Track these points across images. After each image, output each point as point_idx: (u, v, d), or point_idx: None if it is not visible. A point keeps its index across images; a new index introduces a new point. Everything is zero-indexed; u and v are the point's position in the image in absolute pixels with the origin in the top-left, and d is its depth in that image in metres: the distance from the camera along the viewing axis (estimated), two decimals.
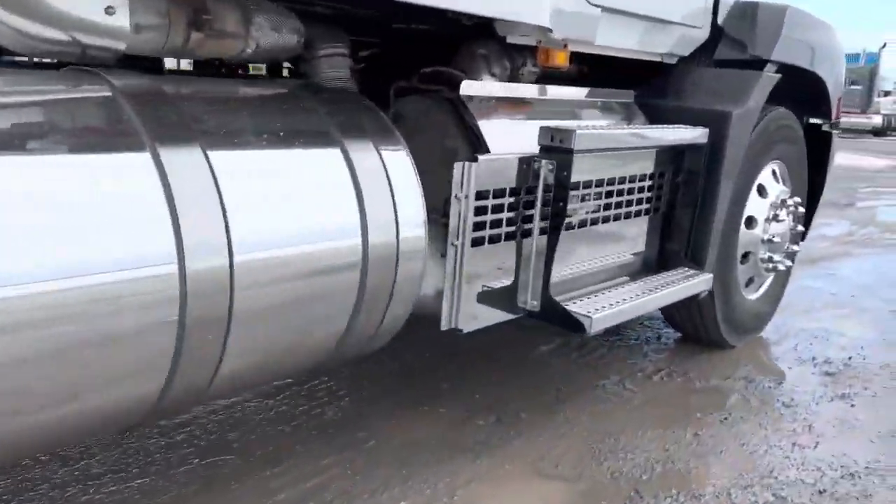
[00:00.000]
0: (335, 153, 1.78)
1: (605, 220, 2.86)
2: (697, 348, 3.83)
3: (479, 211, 2.29)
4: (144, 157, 1.48)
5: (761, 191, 3.72)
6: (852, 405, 3.26)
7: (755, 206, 3.67)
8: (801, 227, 3.96)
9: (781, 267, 3.84)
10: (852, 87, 27.56)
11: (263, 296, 1.63)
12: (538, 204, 2.46)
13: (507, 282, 2.53)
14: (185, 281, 1.46)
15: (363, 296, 1.81)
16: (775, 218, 3.73)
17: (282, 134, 1.71)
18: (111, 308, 1.38)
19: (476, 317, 2.39)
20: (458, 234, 2.25)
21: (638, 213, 3.03)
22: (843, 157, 16.91)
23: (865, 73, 27.81)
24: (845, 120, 28.74)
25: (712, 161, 3.16)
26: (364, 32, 2.92)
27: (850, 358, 3.85)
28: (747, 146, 3.40)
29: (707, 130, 3.09)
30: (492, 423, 2.88)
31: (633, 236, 3.11)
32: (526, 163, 2.44)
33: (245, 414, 2.85)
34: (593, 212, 2.79)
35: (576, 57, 3.06)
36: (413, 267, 1.97)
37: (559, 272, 2.73)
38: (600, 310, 2.53)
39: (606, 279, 2.96)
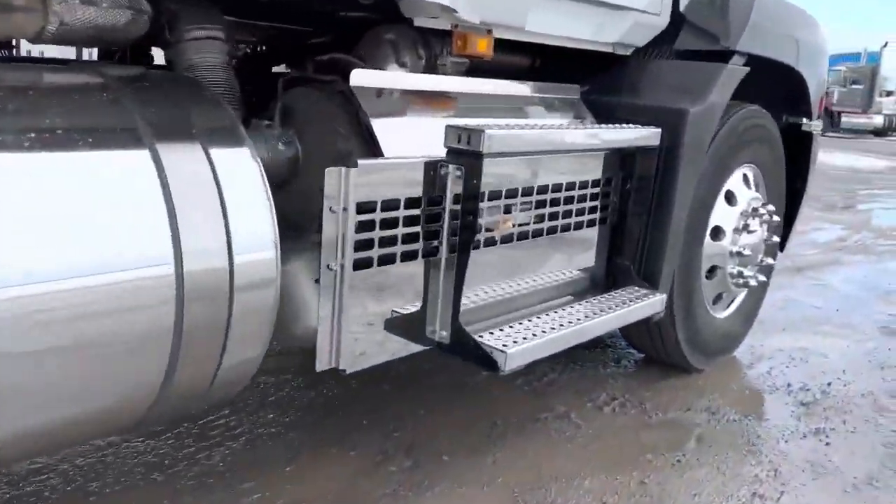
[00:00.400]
0: (138, 157, 1.39)
1: (538, 233, 2.47)
2: (660, 372, 3.44)
3: (365, 226, 1.90)
4: None
5: (730, 198, 3.32)
6: (827, 443, 2.87)
7: (722, 214, 3.28)
8: (776, 238, 3.57)
9: (753, 282, 3.45)
10: (853, 86, 27.21)
11: (24, 345, 1.25)
12: (445, 217, 2.07)
13: (416, 307, 2.15)
14: None
15: (180, 340, 1.43)
16: (746, 228, 3.34)
17: (60, 133, 1.32)
18: None
19: (364, 353, 2.00)
20: (337, 255, 1.86)
21: (580, 226, 2.63)
22: (842, 158, 16.63)
23: (867, 73, 27.40)
24: (846, 120, 28.54)
25: (667, 165, 2.76)
26: (260, 14, 2.53)
27: (829, 384, 3.46)
28: (710, 148, 3.01)
29: (659, 131, 2.70)
30: (406, 470, 2.49)
31: (575, 251, 2.72)
32: (431, 168, 2.05)
33: (119, 457, 2.46)
34: (523, 224, 2.41)
35: (515, 48, 2.69)
36: (259, 298, 1.58)
37: (478, 296, 2.35)
38: (520, 342, 2.13)
39: (541, 302, 2.57)
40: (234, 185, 1.51)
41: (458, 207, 2.04)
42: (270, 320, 1.62)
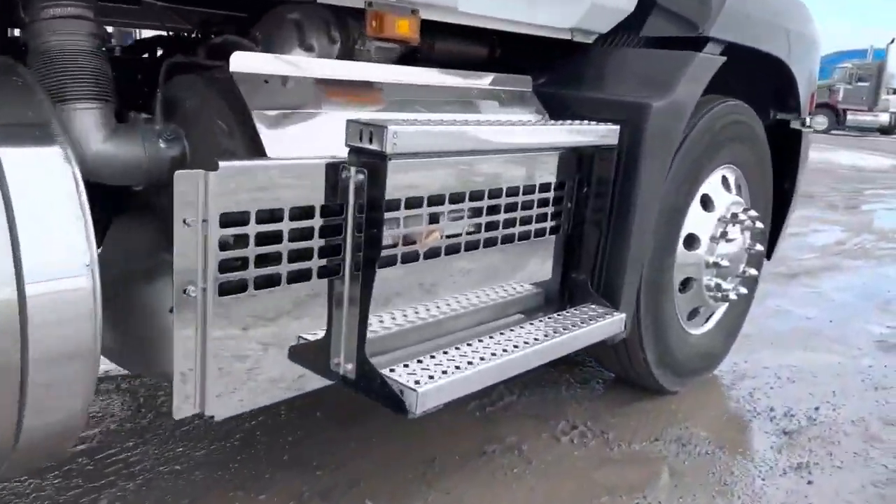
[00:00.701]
0: None
1: (473, 246, 2.14)
2: (630, 394, 3.11)
3: (235, 242, 1.58)
4: None
5: (706, 203, 2.99)
6: (809, 481, 2.53)
7: (698, 221, 2.94)
8: (760, 247, 3.23)
9: (734, 296, 3.11)
10: (859, 83, 26.75)
11: None
12: (348, 229, 1.75)
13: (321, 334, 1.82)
14: None
15: None
16: (725, 236, 3.00)
17: None
18: None
19: (241, 394, 1.67)
20: (198, 278, 1.53)
21: (526, 236, 2.30)
22: (846, 157, 16.22)
23: (873, 70, 26.93)
24: (852, 118, 28.06)
25: (627, 167, 2.43)
26: None
27: (816, 409, 3.12)
28: (681, 148, 2.68)
29: (617, 128, 2.36)
30: None
31: (525, 265, 2.38)
32: (330, 171, 1.73)
33: None
34: (453, 236, 2.08)
35: (469, 35, 2.38)
36: (67, 335, 1.26)
37: (400, 320, 2.02)
38: (438, 377, 1.80)
39: (479, 324, 2.24)
40: (29, 194, 1.19)
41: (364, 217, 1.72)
42: (90, 361, 1.30)
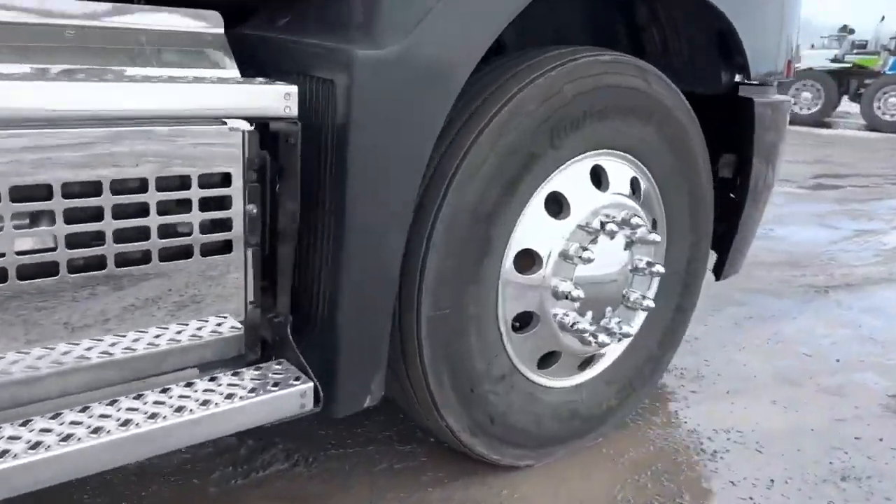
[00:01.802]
0: None
1: (48, 271, 1.37)
2: (467, 465, 2.25)
3: None
4: None
5: (557, 206, 2.06)
6: None
7: (539, 232, 2.02)
8: (660, 267, 2.25)
9: (606, 338, 2.16)
10: None
11: None
12: None
13: None
14: None
15: None
16: (580, 256, 2.06)
17: None
18: None
19: None
20: None
21: (171, 256, 1.50)
22: None
23: None
24: None
25: (331, 152, 1.57)
26: None
27: None
28: (486, 127, 1.79)
29: (293, 91, 1.50)
30: None
31: (178, 297, 1.59)
32: None
33: None
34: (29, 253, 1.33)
35: None
36: None
37: None
38: None
39: (95, 387, 1.47)
40: None
41: None
42: None
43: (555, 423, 2.26)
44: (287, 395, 1.54)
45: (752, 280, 4.18)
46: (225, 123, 1.46)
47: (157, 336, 1.50)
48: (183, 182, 1.47)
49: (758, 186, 2.61)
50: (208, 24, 1.69)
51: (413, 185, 1.68)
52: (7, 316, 1.32)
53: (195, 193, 1.46)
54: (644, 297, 2.25)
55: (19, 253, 1.33)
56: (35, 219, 1.33)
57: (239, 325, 1.61)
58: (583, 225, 2.07)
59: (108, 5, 1.58)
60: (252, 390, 1.53)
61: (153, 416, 1.42)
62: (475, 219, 1.86)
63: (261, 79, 1.54)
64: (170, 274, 1.47)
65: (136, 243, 1.43)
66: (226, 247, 1.57)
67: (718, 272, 2.75)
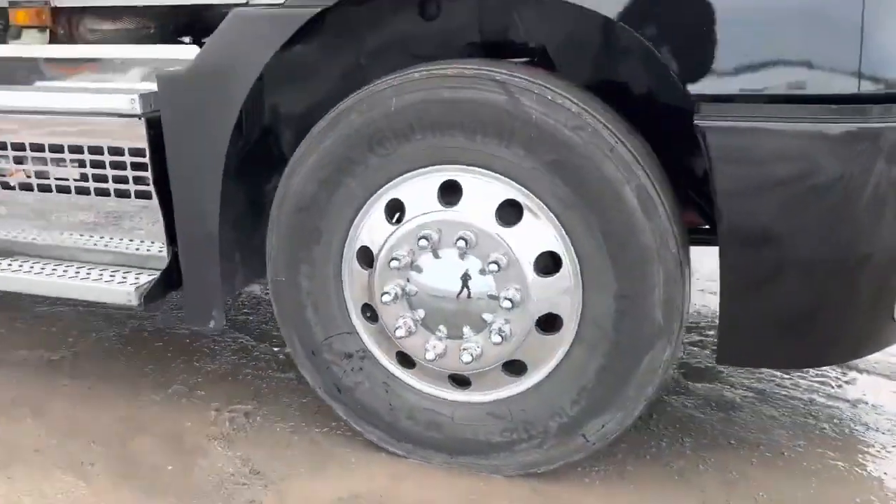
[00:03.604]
0: None
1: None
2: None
3: None
4: None
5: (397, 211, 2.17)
6: None
7: (375, 233, 2.20)
8: (508, 301, 2.03)
9: (453, 362, 2.13)
10: None
11: None
12: None
13: None
14: None
15: None
16: (409, 263, 2.12)
17: None
18: None
19: None
20: None
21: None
22: None
23: None
24: None
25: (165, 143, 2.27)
26: None
27: None
28: None
29: (136, 97, 2.25)
30: None
31: None
32: None
33: None
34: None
35: None
36: None
37: None
38: None
39: None
40: None
41: None
42: None
43: (411, 423, 2.33)
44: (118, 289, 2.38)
45: None
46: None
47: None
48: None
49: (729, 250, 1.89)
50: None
51: (217, 169, 2.22)
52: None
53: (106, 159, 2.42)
54: (502, 328, 2.08)
55: None
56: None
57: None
58: (419, 235, 2.12)
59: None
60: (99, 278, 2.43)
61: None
62: (297, 208, 2.24)
63: (123, 89, 2.36)
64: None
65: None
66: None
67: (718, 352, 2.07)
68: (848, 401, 2.71)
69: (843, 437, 2.50)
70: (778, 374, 2.85)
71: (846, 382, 2.83)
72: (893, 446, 2.43)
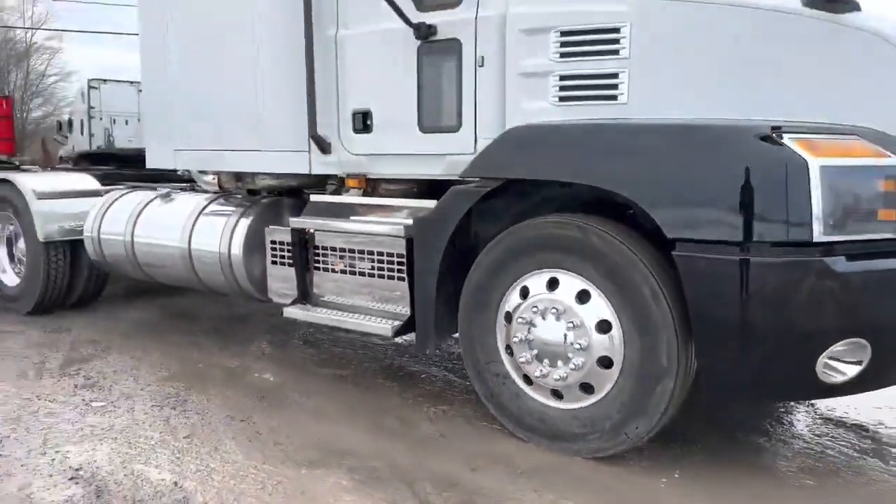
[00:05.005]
0: None
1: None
2: None
3: None
4: None
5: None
6: None
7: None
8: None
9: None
10: None
11: None
12: None
13: None
14: None
15: None
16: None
17: None
18: None
19: None
20: None
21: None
22: None
23: None
24: None
25: None
26: None
27: None
28: None
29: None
30: None
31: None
32: None
33: None
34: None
35: None
36: None
37: None
38: None
39: None
40: None
41: None
42: None
43: (530, 419, 4.00)
44: (383, 325, 4.41)
45: None
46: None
47: None
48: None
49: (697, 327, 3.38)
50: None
51: (437, 268, 4.20)
52: None
53: (385, 259, 4.55)
54: (577, 362, 3.72)
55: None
56: None
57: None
58: (534, 307, 3.88)
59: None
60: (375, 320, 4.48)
61: None
62: (475, 289, 4.13)
63: (396, 222, 4.44)
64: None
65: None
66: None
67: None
68: None
69: None
70: None
71: None
72: None
